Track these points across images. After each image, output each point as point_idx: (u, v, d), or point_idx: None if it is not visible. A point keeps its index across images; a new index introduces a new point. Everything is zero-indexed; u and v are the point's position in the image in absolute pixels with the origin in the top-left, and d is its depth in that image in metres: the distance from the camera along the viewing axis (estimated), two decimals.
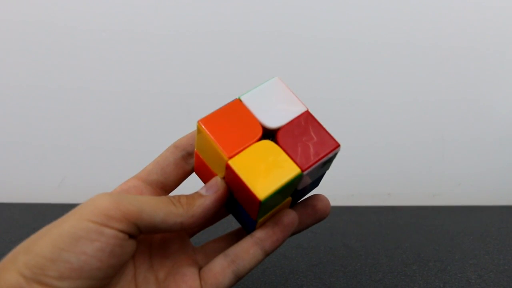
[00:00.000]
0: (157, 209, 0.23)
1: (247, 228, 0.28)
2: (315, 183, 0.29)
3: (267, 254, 0.26)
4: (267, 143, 0.24)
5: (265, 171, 0.23)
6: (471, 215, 0.55)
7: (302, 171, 0.23)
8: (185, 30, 0.59)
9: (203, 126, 0.24)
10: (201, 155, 0.26)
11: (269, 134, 0.25)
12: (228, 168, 0.23)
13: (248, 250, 0.26)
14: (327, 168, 0.27)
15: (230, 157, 0.23)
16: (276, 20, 0.58)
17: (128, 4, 0.58)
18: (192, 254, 0.28)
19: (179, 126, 0.59)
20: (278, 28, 0.58)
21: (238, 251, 0.26)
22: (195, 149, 0.27)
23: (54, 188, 0.64)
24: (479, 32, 0.58)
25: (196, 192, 0.25)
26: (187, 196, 0.25)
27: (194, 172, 0.29)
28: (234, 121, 0.24)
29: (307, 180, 0.26)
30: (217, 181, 0.25)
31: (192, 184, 0.30)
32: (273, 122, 0.25)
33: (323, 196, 0.29)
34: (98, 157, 0.63)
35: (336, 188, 0.61)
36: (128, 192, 0.27)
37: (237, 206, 0.26)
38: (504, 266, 0.41)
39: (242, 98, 0.25)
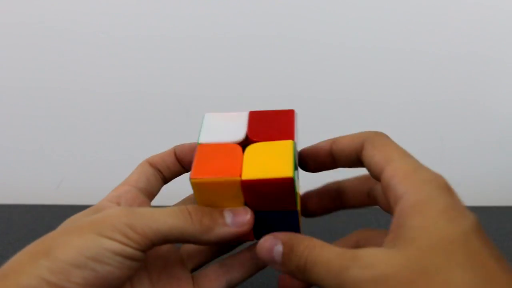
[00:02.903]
0: (174, 229, 0.23)
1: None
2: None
3: (260, 269, 0.27)
4: (252, 146, 0.26)
5: (272, 160, 0.24)
6: None
7: (292, 139, 0.26)
8: (183, 33, 0.59)
9: (199, 178, 0.24)
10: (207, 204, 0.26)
11: (244, 145, 0.26)
12: (245, 183, 0.24)
13: (244, 263, 0.27)
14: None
15: (240, 175, 0.24)
16: (274, 23, 0.58)
17: (127, 6, 0.58)
18: (181, 255, 0.29)
19: (177, 128, 0.59)
20: (276, 31, 0.58)
21: (234, 262, 0.27)
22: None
23: (52, 190, 0.64)
24: (478, 32, 0.58)
25: (221, 214, 0.25)
26: (210, 216, 0.24)
27: (166, 183, 0.31)
28: (213, 157, 0.25)
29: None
30: (247, 216, 0.25)
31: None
32: (238, 135, 0.27)
33: None
34: (96, 159, 0.63)
35: None
36: (125, 196, 0.27)
37: (272, 221, 0.26)
38: None
39: (201, 141, 0.27)
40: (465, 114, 0.61)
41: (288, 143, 0.25)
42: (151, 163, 0.30)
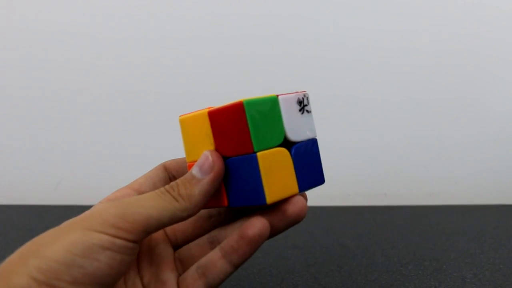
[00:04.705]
0: (163, 211, 0.23)
1: (255, 195, 0.25)
2: (313, 161, 0.27)
3: (237, 267, 0.26)
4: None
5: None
6: (467, 214, 0.56)
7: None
8: (181, 33, 0.59)
9: (182, 116, 0.28)
10: (190, 155, 0.28)
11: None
12: (210, 113, 0.26)
13: (215, 264, 0.26)
14: (312, 129, 0.27)
15: (209, 111, 0.26)
16: (271, 23, 0.58)
17: (125, 7, 0.59)
18: (173, 259, 0.29)
19: (176, 128, 0.59)
20: (272, 31, 0.59)
21: (207, 263, 0.26)
22: (186, 161, 0.28)
23: (51, 190, 0.64)
24: (475, 32, 0.59)
25: (190, 175, 0.25)
26: (184, 186, 0.25)
27: None
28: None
29: (298, 131, 0.26)
30: (207, 157, 0.25)
31: None
32: None
33: (298, 198, 0.26)
34: (94, 159, 0.63)
35: (332, 188, 0.61)
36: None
37: (235, 172, 0.25)
38: (500, 265, 0.41)
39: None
40: (461, 113, 0.61)
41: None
42: (167, 167, 0.30)
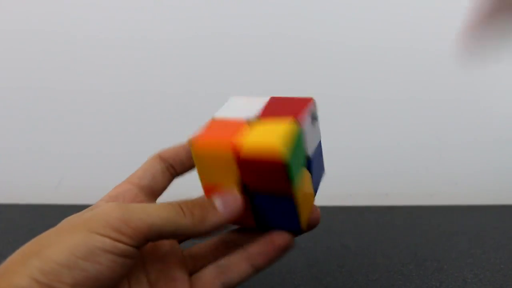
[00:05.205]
0: (167, 223, 0.23)
1: (290, 225, 0.26)
2: (319, 160, 0.28)
3: (258, 271, 0.26)
4: (257, 123, 0.25)
5: (269, 137, 0.23)
6: (468, 215, 0.56)
7: (296, 117, 0.24)
8: (180, 33, 0.59)
9: (196, 142, 0.24)
10: (207, 179, 0.26)
11: None
12: (239, 161, 0.23)
13: (238, 265, 0.26)
14: (319, 134, 0.27)
15: (231, 141, 0.23)
16: (271, 22, 0.58)
17: (125, 7, 0.59)
18: (182, 257, 0.29)
19: (176, 127, 0.59)
20: (272, 30, 0.59)
21: (229, 263, 0.26)
22: (201, 181, 0.27)
23: (52, 189, 0.64)
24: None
25: (211, 203, 0.25)
26: (200, 206, 0.24)
27: (177, 177, 0.29)
28: (218, 129, 0.25)
29: (312, 142, 0.26)
30: (235, 198, 0.25)
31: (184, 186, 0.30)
32: (250, 113, 0.26)
33: (315, 207, 0.28)
34: (95, 158, 0.63)
35: (333, 188, 0.61)
36: (123, 196, 0.27)
37: (269, 205, 0.25)
38: (501, 265, 0.41)
39: (216, 116, 0.26)
40: (463, 113, 0.61)
41: (291, 123, 0.24)
42: (163, 157, 0.29)
